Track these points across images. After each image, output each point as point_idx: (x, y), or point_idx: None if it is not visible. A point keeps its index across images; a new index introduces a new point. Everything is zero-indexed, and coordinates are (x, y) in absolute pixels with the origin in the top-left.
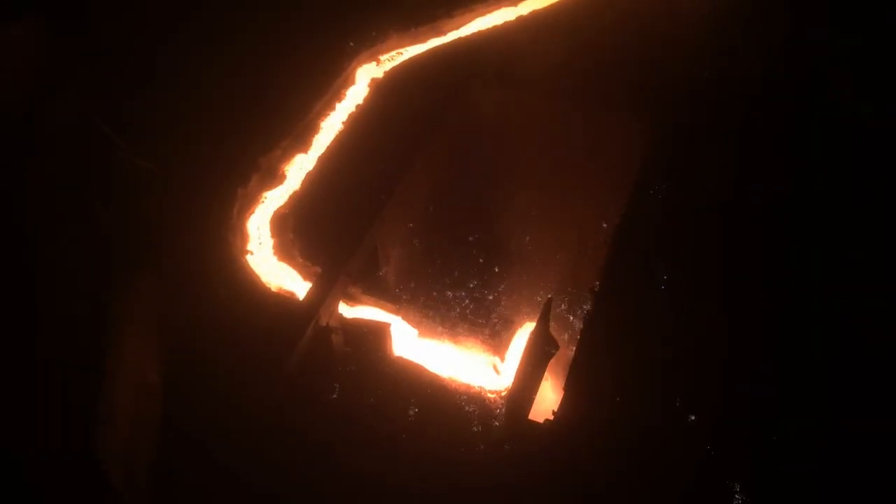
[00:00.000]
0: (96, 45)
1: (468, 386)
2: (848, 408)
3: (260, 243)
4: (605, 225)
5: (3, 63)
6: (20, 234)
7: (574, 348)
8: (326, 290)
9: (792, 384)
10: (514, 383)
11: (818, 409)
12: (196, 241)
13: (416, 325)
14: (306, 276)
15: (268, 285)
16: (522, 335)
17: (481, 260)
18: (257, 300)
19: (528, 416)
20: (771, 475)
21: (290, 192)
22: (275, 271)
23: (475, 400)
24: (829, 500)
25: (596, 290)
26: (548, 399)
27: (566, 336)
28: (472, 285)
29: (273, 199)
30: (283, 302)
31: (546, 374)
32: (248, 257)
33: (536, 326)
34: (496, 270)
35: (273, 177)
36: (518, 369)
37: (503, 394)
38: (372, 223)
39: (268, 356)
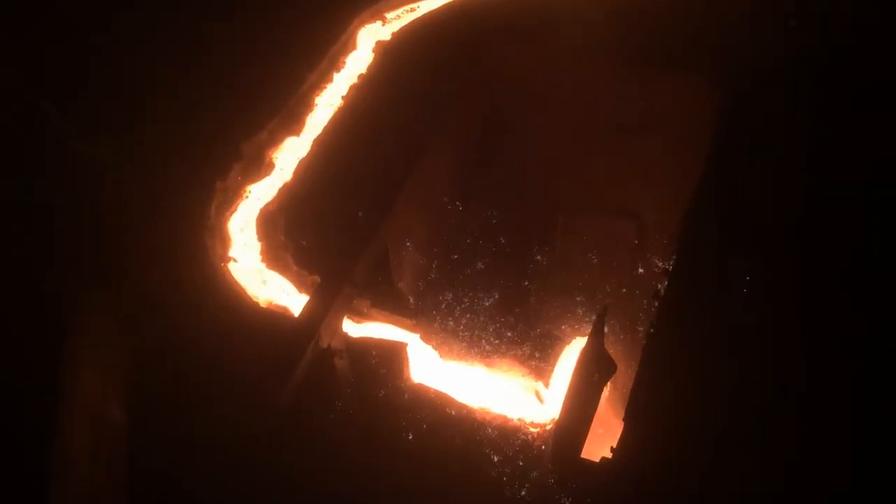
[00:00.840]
0: (40, 14)
1: (505, 418)
2: None
3: (244, 248)
4: (669, 215)
5: None
6: None
7: (634, 369)
8: (328, 304)
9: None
10: (562, 413)
11: None
12: (166, 246)
13: (438, 344)
14: (302, 288)
15: (255, 299)
16: (571, 354)
17: (517, 263)
18: (242, 318)
19: (580, 453)
20: None
21: (280, 184)
22: (263, 282)
23: (514, 435)
24: None
25: (660, 296)
26: (604, 432)
27: (624, 354)
28: (506, 295)
29: (259, 194)
30: (274, 319)
31: (601, 401)
32: (231, 265)
33: (588, 343)
34: (536, 275)
35: (258, 166)
36: (566, 396)
37: (549, 426)
38: (381, 221)
39: (258, 386)
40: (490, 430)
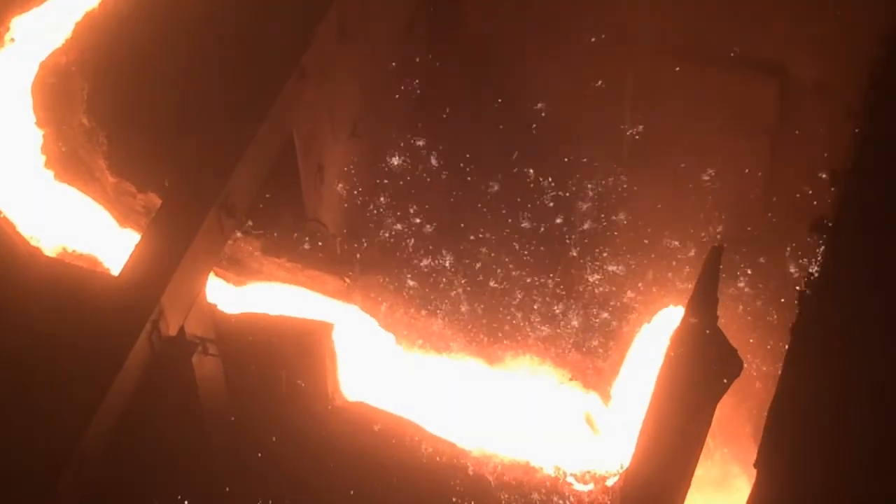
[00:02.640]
0: None
1: (528, 467)
2: None
3: (9, 138)
4: (843, 70)
5: None
6: None
7: (775, 374)
8: (177, 251)
9: None
10: (636, 455)
11: None
12: None
13: (395, 322)
14: (126, 217)
15: (32, 241)
16: (650, 342)
17: (550, 179)
18: (9, 281)
19: None
20: None
21: (80, 10)
22: (48, 206)
23: (545, 499)
24: None
25: (826, 229)
26: (717, 488)
27: (753, 346)
28: (525, 225)
29: (35, 30)
30: (69, 281)
31: (712, 431)
32: None
33: (685, 319)
34: (580, 189)
35: None
36: (645, 422)
37: (611, 481)
38: (281, 86)
39: (41, 426)
40: (500, 494)
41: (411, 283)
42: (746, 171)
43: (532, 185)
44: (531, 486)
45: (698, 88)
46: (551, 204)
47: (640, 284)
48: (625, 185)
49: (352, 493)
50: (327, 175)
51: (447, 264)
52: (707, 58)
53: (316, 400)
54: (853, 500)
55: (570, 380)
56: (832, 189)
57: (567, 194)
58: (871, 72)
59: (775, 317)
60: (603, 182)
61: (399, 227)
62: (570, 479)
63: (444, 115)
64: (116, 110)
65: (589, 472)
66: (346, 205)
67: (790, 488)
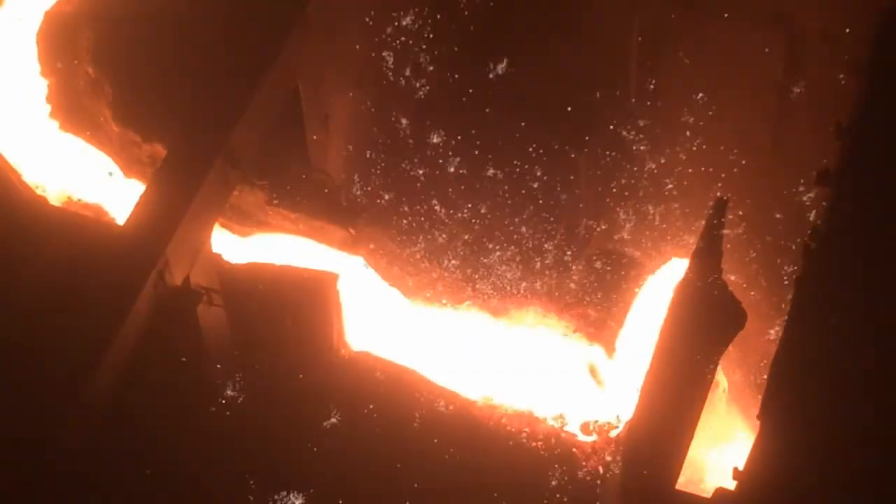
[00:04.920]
0: None
1: (532, 417)
2: None
3: (15, 88)
4: (848, 19)
5: None
6: None
7: (779, 328)
8: (181, 201)
9: None
10: (639, 407)
11: None
12: None
13: (400, 274)
14: (130, 168)
15: (37, 190)
16: (654, 294)
17: (555, 130)
18: (11, 228)
19: (675, 481)
20: None
21: None
22: (53, 156)
23: (551, 449)
24: None
25: (829, 178)
26: (719, 440)
27: (757, 302)
28: (532, 187)
29: None
30: (75, 230)
31: (716, 385)
32: None
33: (689, 272)
34: (587, 140)
35: None
36: (649, 375)
37: (615, 432)
38: (286, 36)
39: (45, 374)
40: (500, 441)
41: (416, 234)
42: (753, 123)
43: (538, 135)
44: (537, 436)
45: (705, 40)
46: (558, 155)
47: (644, 237)
48: (629, 139)
49: (355, 441)
50: (333, 125)
51: (453, 217)
52: (714, 8)
53: (321, 349)
54: (856, 451)
55: (574, 332)
56: (838, 141)
57: (572, 146)
58: (879, 23)
59: (782, 270)
60: (607, 135)
61: (405, 178)
62: (573, 430)
63: (451, 63)
64: (122, 60)
65: (592, 422)
66: (351, 155)
67: (793, 439)
